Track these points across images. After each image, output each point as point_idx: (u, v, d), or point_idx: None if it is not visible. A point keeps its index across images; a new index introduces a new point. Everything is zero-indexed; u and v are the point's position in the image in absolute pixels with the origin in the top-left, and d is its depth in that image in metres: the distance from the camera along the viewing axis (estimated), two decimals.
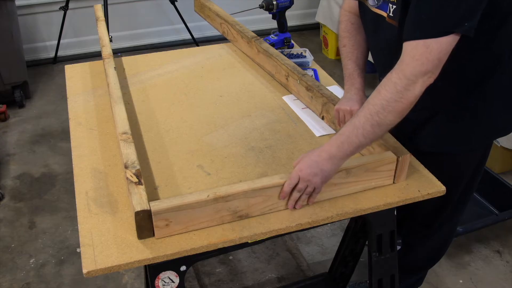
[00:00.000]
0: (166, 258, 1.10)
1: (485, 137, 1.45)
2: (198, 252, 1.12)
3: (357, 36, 1.47)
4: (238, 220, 1.18)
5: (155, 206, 1.09)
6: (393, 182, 1.30)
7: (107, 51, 1.77)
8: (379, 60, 1.48)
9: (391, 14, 1.24)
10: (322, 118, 1.54)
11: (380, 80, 1.33)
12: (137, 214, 1.08)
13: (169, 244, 1.12)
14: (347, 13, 1.49)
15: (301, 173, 1.16)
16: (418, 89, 1.12)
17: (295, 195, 1.18)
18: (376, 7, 1.29)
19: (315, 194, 1.20)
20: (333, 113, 1.46)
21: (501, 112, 1.39)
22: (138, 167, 1.20)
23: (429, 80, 1.12)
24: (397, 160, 1.26)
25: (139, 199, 1.10)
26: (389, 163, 1.26)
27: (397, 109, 1.13)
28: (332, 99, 1.49)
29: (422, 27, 1.11)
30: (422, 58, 1.10)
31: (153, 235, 1.12)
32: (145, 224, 1.10)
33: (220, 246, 1.14)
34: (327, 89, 1.55)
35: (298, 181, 1.17)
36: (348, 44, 1.48)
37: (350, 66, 1.47)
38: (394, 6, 1.22)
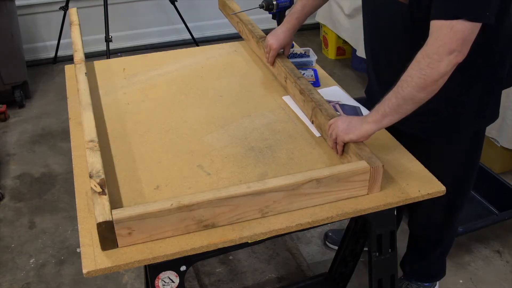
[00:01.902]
0: (166, 258, 1.10)
1: (469, 125, 1.51)
2: (198, 252, 1.12)
3: None
4: (204, 230, 1.16)
5: (117, 214, 1.08)
6: (367, 193, 1.26)
7: (79, 56, 1.76)
8: (374, 43, 1.51)
9: None
10: (312, 123, 1.52)
11: (368, 72, 1.49)
12: (99, 225, 1.06)
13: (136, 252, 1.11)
14: None
15: (337, 129, 1.32)
16: (443, 68, 1.16)
17: (329, 141, 1.37)
18: None
19: (340, 142, 1.32)
20: (320, 120, 1.48)
21: (482, 99, 1.46)
22: (102, 176, 1.18)
23: (456, 58, 1.16)
24: (370, 170, 1.22)
25: (101, 210, 1.08)
26: (362, 173, 1.22)
27: (420, 85, 1.19)
28: (320, 104, 1.47)
29: (447, 8, 1.14)
30: (445, 38, 1.14)
31: (117, 246, 1.11)
32: (108, 235, 1.08)
33: (220, 246, 1.14)
34: (318, 93, 1.52)
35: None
36: None
37: (296, 7, 1.65)
38: None
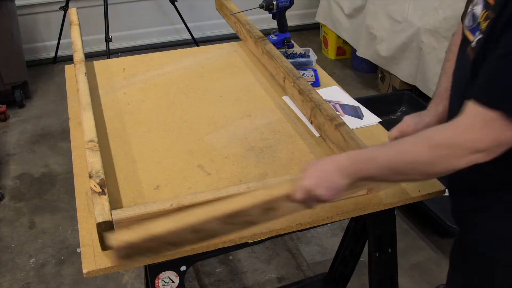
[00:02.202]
0: (166, 258, 1.10)
1: None
2: (198, 252, 1.12)
3: None
4: None
5: (117, 215, 1.08)
6: (367, 193, 1.25)
7: (78, 56, 1.76)
8: (453, 82, 1.22)
9: (474, 43, 0.99)
10: (311, 123, 1.52)
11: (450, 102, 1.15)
12: (99, 225, 1.06)
13: None
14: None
15: (306, 181, 1.01)
16: (462, 164, 0.92)
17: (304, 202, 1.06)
18: (468, 29, 1.03)
19: (323, 203, 1.05)
20: (320, 120, 1.40)
21: None
22: (102, 176, 1.18)
23: (483, 159, 0.91)
24: None
25: (101, 210, 1.08)
26: None
27: (424, 171, 0.96)
28: (319, 104, 1.46)
29: (496, 94, 0.88)
30: (476, 133, 0.89)
31: None
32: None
33: (220, 246, 1.14)
34: (317, 93, 1.52)
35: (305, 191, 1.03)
36: (452, 59, 1.21)
37: (444, 83, 1.24)
38: (480, 36, 0.97)
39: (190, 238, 1.01)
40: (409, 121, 1.23)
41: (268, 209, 1.04)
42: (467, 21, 1.05)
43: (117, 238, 0.94)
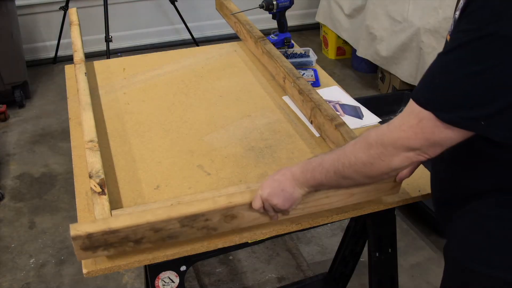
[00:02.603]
0: (166, 258, 1.10)
1: None
2: (198, 252, 1.12)
3: None
4: None
5: (116, 215, 1.08)
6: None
7: (78, 56, 1.76)
8: None
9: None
10: (311, 123, 1.52)
11: None
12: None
13: None
14: None
15: (263, 191, 1.05)
16: (396, 163, 0.92)
17: (261, 212, 1.09)
18: (449, 34, 1.00)
19: (282, 214, 1.10)
20: (320, 120, 1.38)
21: None
22: (102, 176, 1.19)
23: (418, 158, 0.90)
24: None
25: (101, 210, 1.09)
26: None
27: (365, 173, 0.96)
28: (319, 104, 1.46)
29: (425, 93, 0.87)
30: (408, 131, 0.88)
31: None
32: None
33: (220, 246, 1.14)
34: (317, 93, 1.52)
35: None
36: None
37: None
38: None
39: (149, 236, 1.04)
40: None
41: (228, 216, 1.08)
42: (450, 26, 1.03)
43: (78, 228, 0.99)
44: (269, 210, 1.08)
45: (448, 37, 1.01)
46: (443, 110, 0.84)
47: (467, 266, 1.00)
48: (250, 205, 1.08)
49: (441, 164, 0.95)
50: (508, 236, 0.96)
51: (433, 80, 0.87)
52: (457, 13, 0.97)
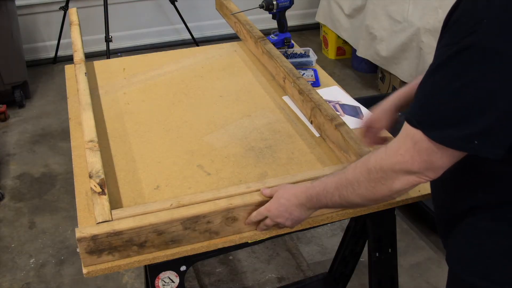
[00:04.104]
0: (166, 258, 1.10)
1: None
2: (198, 252, 1.12)
3: None
4: None
5: (117, 214, 1.08)
6: None
7: (78, 56, 1.76)
8: None
9: None
10: (311, 123, 1.52)
11: None
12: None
13: None
14: None
15: (269, 213, 1.10)
16: (398, 186, 0.92)
17: (262, 227, 1.13)
18: None
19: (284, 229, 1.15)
20: (320, 120, 1.41)
21: None
22: (102, 176, 1.19)
23: (420, 180, 0.90)
24: None
25: (101, 210, 1.09)
26: None
27: (368, 197, 0.97)
28: (319, 104, 1.46)
29: (417, 112, 0.87)
30: (406, 155, 0.88)
31: None
32: None
33: (220, 246, 1.14)
34: (317, 93, 1.52)
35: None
36: None
37: (404, 89, 1.27)
38: None
39: (153, 240, 1.07)
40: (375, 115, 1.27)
41: (229, 218, 1.11)
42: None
43: (83, 230, 1.02)
44: (269, 225, 1.12)
45: None
46: (433, 130, 0.83)
47: (467, 280, 1.00)
48: (249, 213, 1.12)
49: (439, 180, 0.95)
50: (505, 249, 0.95)
51: (422, 100, 0.86)
52: None
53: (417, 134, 0.85)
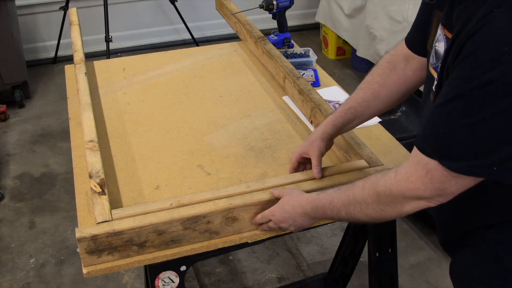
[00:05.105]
0: (166, 258, 1.10)
1: None
2: (198, 252, 1.12)
3: (388, 79, 1.24)
4: None
5: (117, 214, 1.08)
6: None
7: (78, 56, 1.76)
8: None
9: (433, 87, 0.97)
10: (311, 123, 1.52)
11: None
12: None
13: None
14: (391, 53, 1.33)
15: (273, 217, 1.12)
16: (407, 210, 0.94)
17: (265, 228, 1.15)
18: (432, 66, 1.01)
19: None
20: (320, 120, 1.40)
21: None
22: (102, 176, 1.19)
23: (429, 204, 0.91)
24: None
25: (101, 210, 1.09)
26: (361, 172, 1.21)
27: (375, 217, 0.99)
28: (319, 104, 1.47)
29: (431, 142, 0.87)
30: (417, 182, 0.89)
31: None
32: None
33: (220, 246, 1.14)
34: (317, 93, 1.53)
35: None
36: (376, 79, 1.25)
37: (348, 103, 1.24)
38: (436, 81, 0.95)
39: (153, 240, 1.07)
40: (300, 149, 1.25)
41: (229, 218, 1.11)
42: (431, 59, 1.02)
43: (83, 230, 1.03)
44: (273, 228, 1.15)
45: (432, 70, 1.00)
46: (450, 160, 0.84)
47: None
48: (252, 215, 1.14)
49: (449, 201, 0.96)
50: None
51: (437, 130, 0.85)
52: (437, 44, 0.97)
53: (431, 163, 0.86)
